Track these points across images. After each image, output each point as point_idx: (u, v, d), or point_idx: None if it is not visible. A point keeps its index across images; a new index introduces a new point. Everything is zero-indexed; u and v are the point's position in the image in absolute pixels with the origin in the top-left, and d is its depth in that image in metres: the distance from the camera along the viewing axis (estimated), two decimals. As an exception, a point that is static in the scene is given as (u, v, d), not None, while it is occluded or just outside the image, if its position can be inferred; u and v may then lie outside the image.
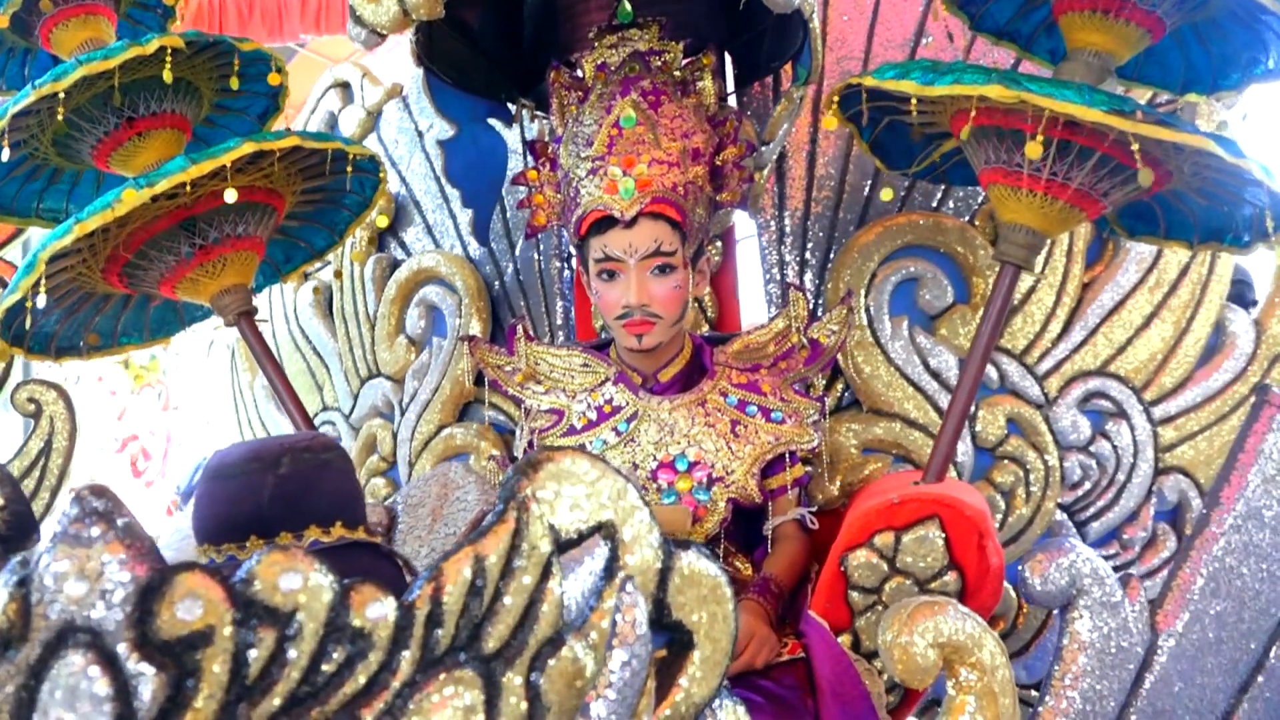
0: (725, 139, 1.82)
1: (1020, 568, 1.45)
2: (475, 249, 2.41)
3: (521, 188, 2.20)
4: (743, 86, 2.22)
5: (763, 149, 2.03)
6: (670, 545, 0.79)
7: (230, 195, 1.75)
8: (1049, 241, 1.99)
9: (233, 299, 1.97)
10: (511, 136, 2.32)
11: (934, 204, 2.22)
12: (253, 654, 0.58)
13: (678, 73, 1.85)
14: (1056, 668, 1.45)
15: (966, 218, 2.21)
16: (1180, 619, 1.50)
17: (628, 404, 1.80)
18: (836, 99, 1.72)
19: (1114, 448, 2.16)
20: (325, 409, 2.62)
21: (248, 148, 1.75)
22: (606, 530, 0.75)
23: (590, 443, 1.80)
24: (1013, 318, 2.16)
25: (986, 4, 1.92)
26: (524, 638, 0.68)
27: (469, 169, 2.13)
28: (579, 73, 1.93)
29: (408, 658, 0.63)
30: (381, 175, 2.06)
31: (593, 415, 1.82)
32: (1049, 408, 2.15)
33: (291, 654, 0.59)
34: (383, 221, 2.24)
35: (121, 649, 0.55)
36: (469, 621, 0.66)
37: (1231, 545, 1.55)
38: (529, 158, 1.89)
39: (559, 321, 2.29)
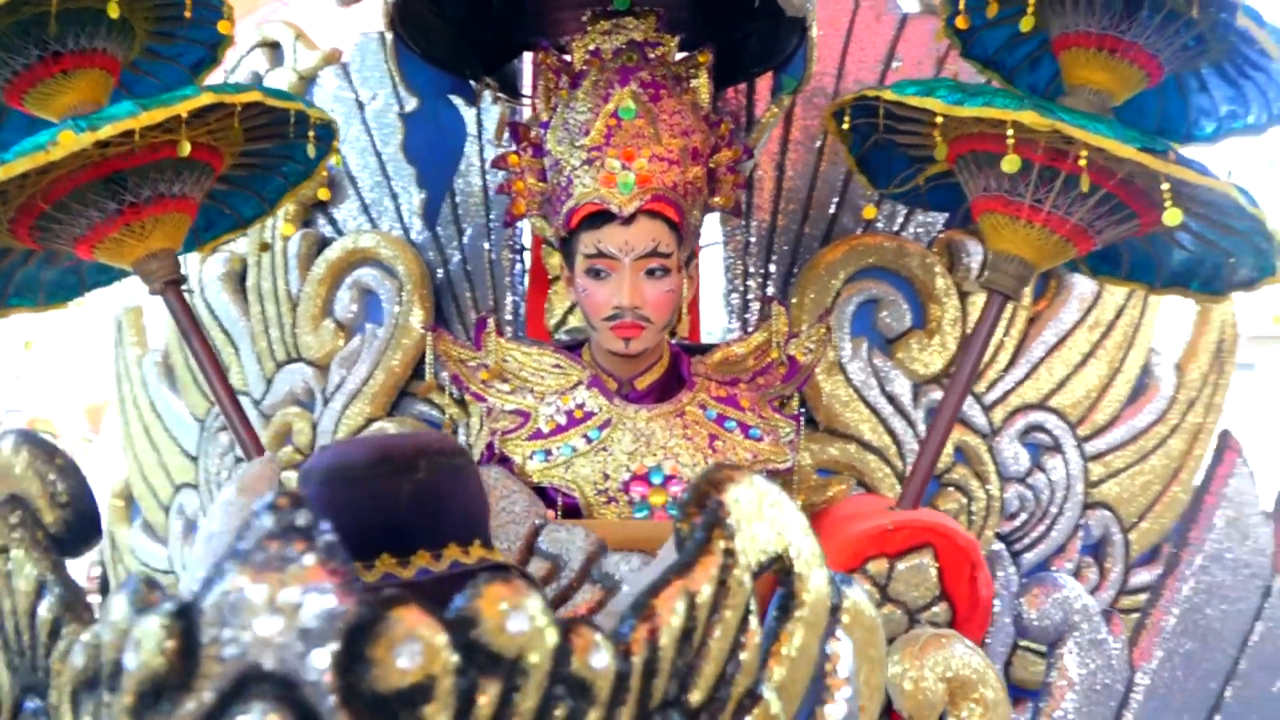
0: (720, 141, 1.74)
1: (1015, 601, 1.42)
2: (417, 232, 2.25)
3: (485, 172, 2.06)
4: (717, 90, 2.14)
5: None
6: (839, 581, 0.69)
7: (184, 150, 1.55)
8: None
9: (160, 265, 1.76)
10: (469, 117, 2.18)
11: (895, 227, 2.20)
12: (476, 711, 0.46)
13: (674, 67, 1.75)
14: (1044, 704, 1.42)
15: (926, 243, 2.20)
16: (1155, 657, 1.50)
17: (600, 410, 1.69)
18: (847, 109, 1.66)
19: (1049, 481, 2.19)
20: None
21: (206, 98, 1.56)
22: (782, 562, 0.65)
23: (557, 449, 1.68)
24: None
25: (978, 31, 1.91)
26: (727, 689, 0.57)
27: (427, 147, 1.98)
28: (567, 57, 1.81)
29: (625, 714, 0.51)
30: (335, 145, 1.89)
31: (562, 419, 1.70)
32: (993, 438, 2.16)
33: (516, 709, 0.47)
34: (324, 194, 2.06)
35: (328, 703, 0.42)
36: (678, 670, 0.54)
37: (1199, 585, 1.57)
38: (511, 141, 1.76)
39: (508, 317, 2.16)
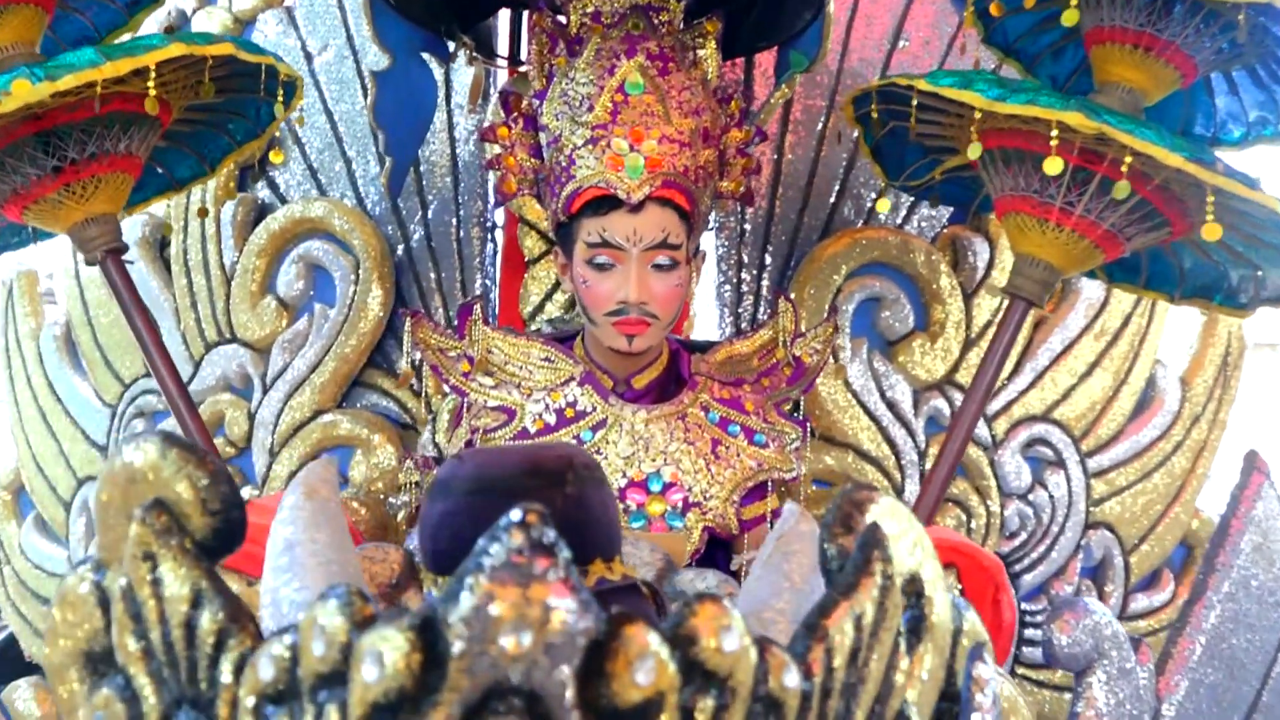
0: (730, 121, 1.82)
1: (1046, 626, 1.54)
2: (373, 203, 2.29)
3: (453, 139, 2.11)
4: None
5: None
6: (960, 604, 0.79)
7: (152, 106, 1.57)
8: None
9: (100, 232, 1.78)
10: (440, 78, 2.22)
11: (898, 220, 2.32)
12: (693, 730, 0.54)
13: (680, 36, 1.82)
14: (1070, 734, 1.54)
15: (930, 239, 2.31)
16: (1181, 687, 1.63)
17: (594, 409, 1.76)
18: (874, 97, 1.75)
19: (1050, 498, 2.33)
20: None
21: (176, 49, 1.59)
22: (914, 584, 0.74)
23: (546, 451, 1.74)
24: (969, 351, 2.28)
25: (1001, 17, 2.02)
26: (881, 710, 0.66)
27: (396, 110, 2.02)
28: (562, 18, 1.86)
29: (806, 734, 0.60)
30: (297, 103, 1.92)
31: (550, 418, 1.76)
32: (994, 450, 2.29)
33: (723, 729, 0.55)
34: (277, 156, 2.08)
35: (571, 718, 0.49)
36: (845, 691, 0.63)
37: (1225, 614, 1.70)
38: (500, 110, 1.81)
39: (473, 297, 2.21)
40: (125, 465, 0.62)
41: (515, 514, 0.49)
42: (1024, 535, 2.30)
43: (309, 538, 0.79)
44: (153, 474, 0.60)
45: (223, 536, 0.60)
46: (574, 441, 1.74)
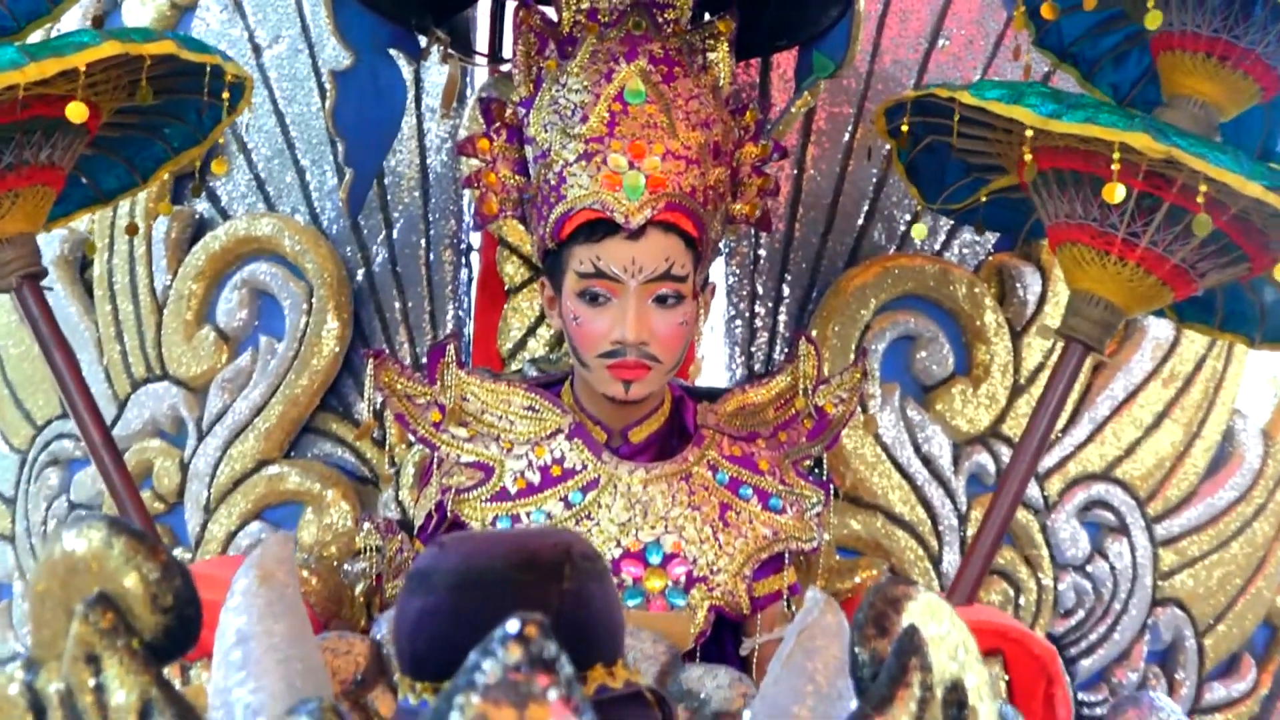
0: (744, 134, 1.85)
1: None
2: (330, 220, 2.31)
3: (423, 149, 2.13)
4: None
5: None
6: (1008, 715, 0.81)
7: (78, 114, 1.60)
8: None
9: (15, 255, 1.81)
10: (409, 78, 2.25)
11: (936, 246, 2.34)
12: None
13: (688, 37, 1.85)
14: None
15: (973, 268, 2.34)
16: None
17: (585, 467, 1.78)
18: (909, 109, 1.79)
19: (1112, 569, 2.35)
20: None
21: (110, 47, 1.62)
22: (956, 693, 0.76)
23: (528, 514, 1.76)
24: (1017, 398, 2.31)
25: (1056, 19, 2.06)
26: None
27: (359, 115, 2.04)
28: (553, 15, 1.89)
29: None
30: (245, 105, 1.95)
31: (534, 477, 1.78)
32: (1047, 514, 2.31)
33: None
34: (219, 167, 2.11)
35: None
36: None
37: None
38: (481, 120, 1.84)
39: (446, 335, 2.23)
40: (66, 554, 0.64)
41: (513, 625, 0.51)
42: (1081, 613, 2.32)
43: (264, 630, 0.81)
44: (97, 564, 0.61)
45: (175, 637, 0.61)
46: (561, 505, 1.76)
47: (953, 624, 0.77)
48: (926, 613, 0.74)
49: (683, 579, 1.75)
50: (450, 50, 2.16)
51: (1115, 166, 1.58)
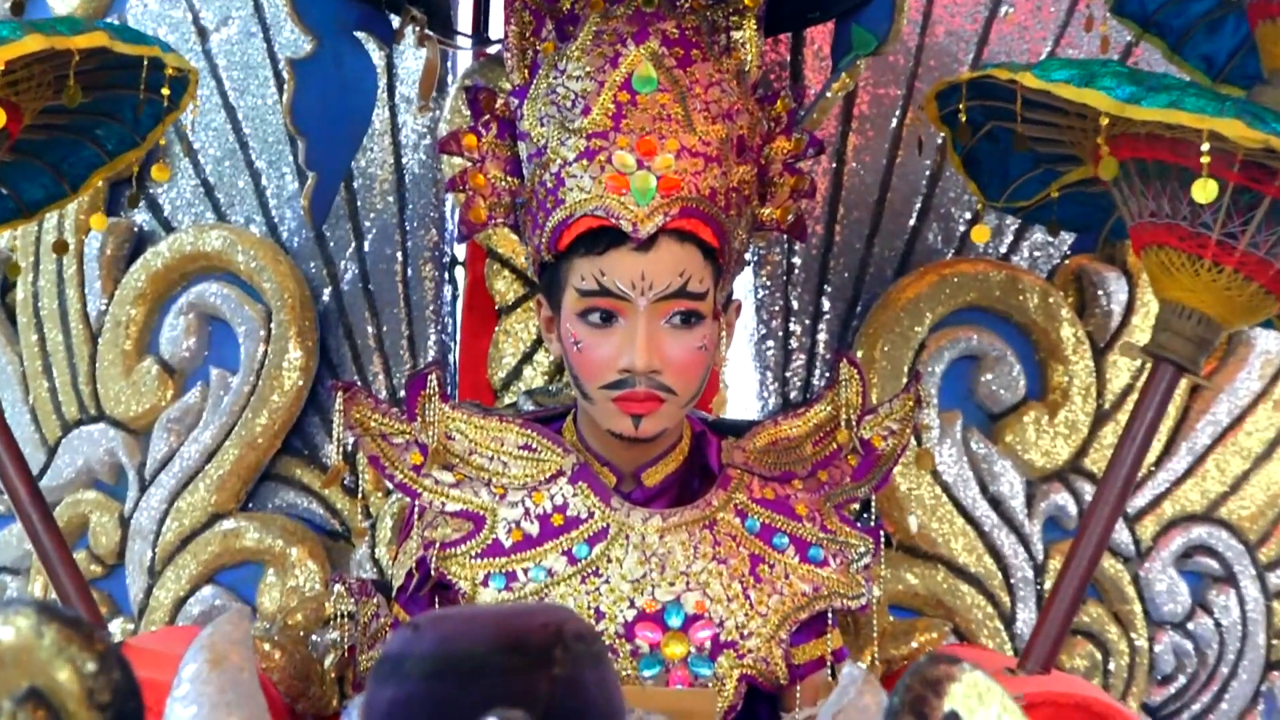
0: (774, 126, 1.88)
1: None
2: (290, 232, 2.35)
3: (398, 146, 2.18)
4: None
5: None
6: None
7: (-1, 117, 1.66)
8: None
9: (-70, 279, 1.86)
10: (380, 64, 2.30)
11: (1002, 250, 2.38)
12: None
13: (708, 13, 1.88)
14: None
15: (1046, 274, 2.38)
16: None
17: (592, 515, 1.81)
18: (963, 92, 1.82)
19: (1217, 626, 2.38)
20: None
21: (33, 42, 1.67)
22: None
23: (526, 571, 1.78)
24: (1102, 426, 2.34)
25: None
26: None
27: (323, 107, 2.08)
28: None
29: None
30: (189, 101, 2.00)
31: (532, 528, 1.81)
32: (1139, 563, 2.34)
33: None
34: (161, 174, 2.15)
35: None
36: None
37: None
38: (467, 113, 1.88)
39: (428, 364, 2.27)
40: (-11, 645, 0.67)
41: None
42: (1182, 679, 2.35)
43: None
44: (26, 656, 0.65)
45: (114, 729, 0.65)
46: (565, 560, 1.78)
47: (1004, 710, 0.80)
48: (973, 696, 0.77)
49: (708, 644, 1.77)
50: (428, 31, 2.19)
51: (1205, 159, 1.61)
